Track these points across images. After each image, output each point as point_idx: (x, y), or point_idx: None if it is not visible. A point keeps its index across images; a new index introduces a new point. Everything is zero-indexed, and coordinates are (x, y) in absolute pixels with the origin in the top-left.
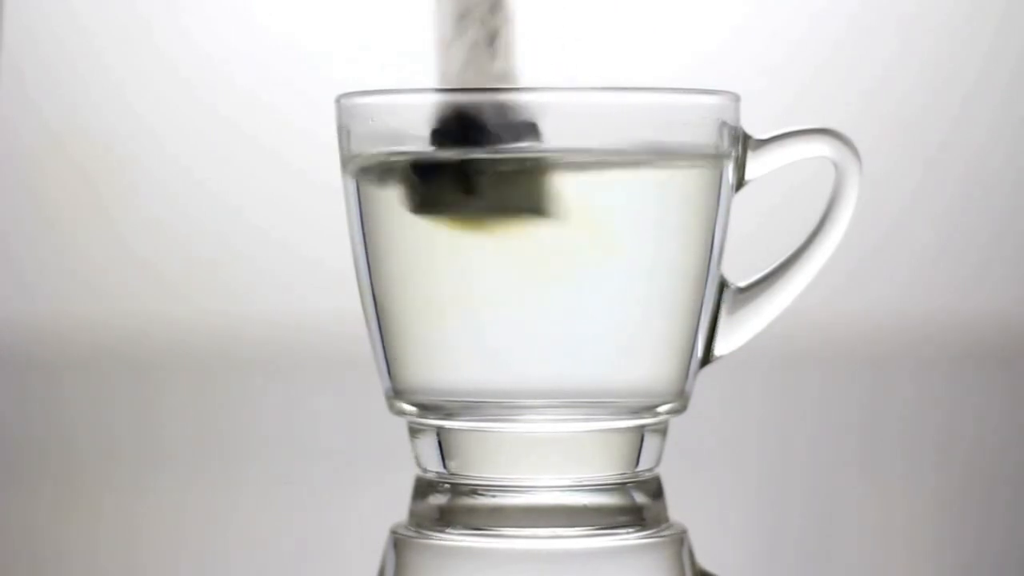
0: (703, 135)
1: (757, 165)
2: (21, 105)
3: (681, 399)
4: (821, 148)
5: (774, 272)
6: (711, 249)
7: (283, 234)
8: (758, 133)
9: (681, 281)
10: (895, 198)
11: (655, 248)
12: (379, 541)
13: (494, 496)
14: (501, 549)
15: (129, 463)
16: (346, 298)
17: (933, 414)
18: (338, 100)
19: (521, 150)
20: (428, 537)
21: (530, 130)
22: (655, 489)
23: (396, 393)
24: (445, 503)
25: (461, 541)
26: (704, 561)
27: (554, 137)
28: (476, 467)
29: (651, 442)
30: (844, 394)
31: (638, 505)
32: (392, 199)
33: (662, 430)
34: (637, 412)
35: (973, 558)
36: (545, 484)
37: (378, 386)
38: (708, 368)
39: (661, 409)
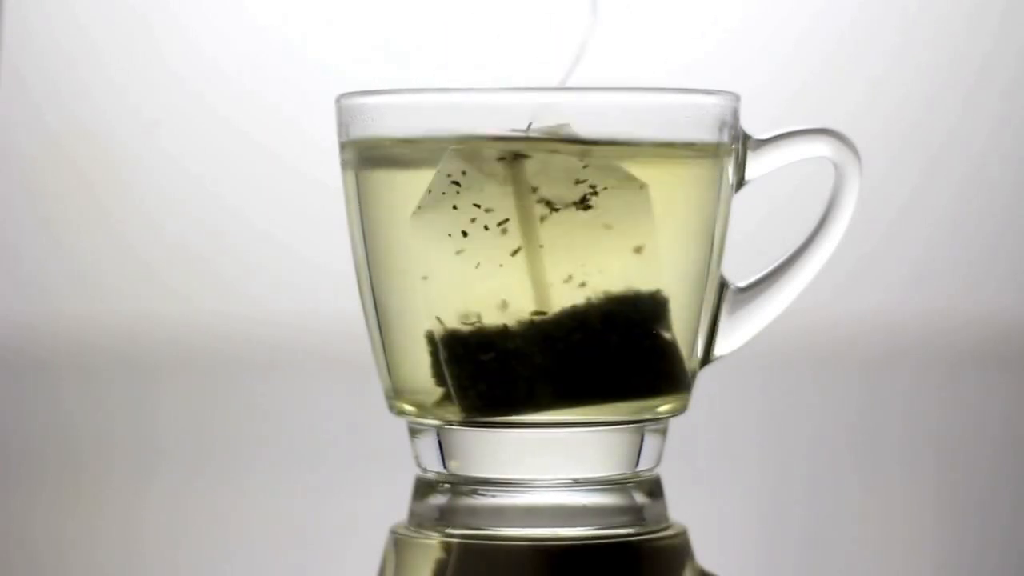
0: (703, 135)
1: (757, 165)
2: (20, 105)
3: (681, 399)
4: (821, 148)
5: (774, 272)
6: (711, 249)
7: (283, 234)
8: (758, 133)
9: (681, 281)
10: (895, 198)
11: (655, 248)
12: (379, 541)
13: (494, 496)
14: (501, 549)
15: (129, 463)
16: (346, 298)
17: (932, 414)
18: (338, 100)
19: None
20: (428, 537)
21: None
22: (655, 489)
23: (396, 393)
24: (445, 503)
25: (461, 541)
26: (704, 561)
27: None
28: (476, 467)
29: (651, 442)
30: (844, 394)
31: (638, 505)
32: (391, 198)
33: (662, 430)
34: (637, 412)
35: (973, 558)
36: (545, 484)
37: (378, 386)
38: (708, 368)
39: (661, 409)
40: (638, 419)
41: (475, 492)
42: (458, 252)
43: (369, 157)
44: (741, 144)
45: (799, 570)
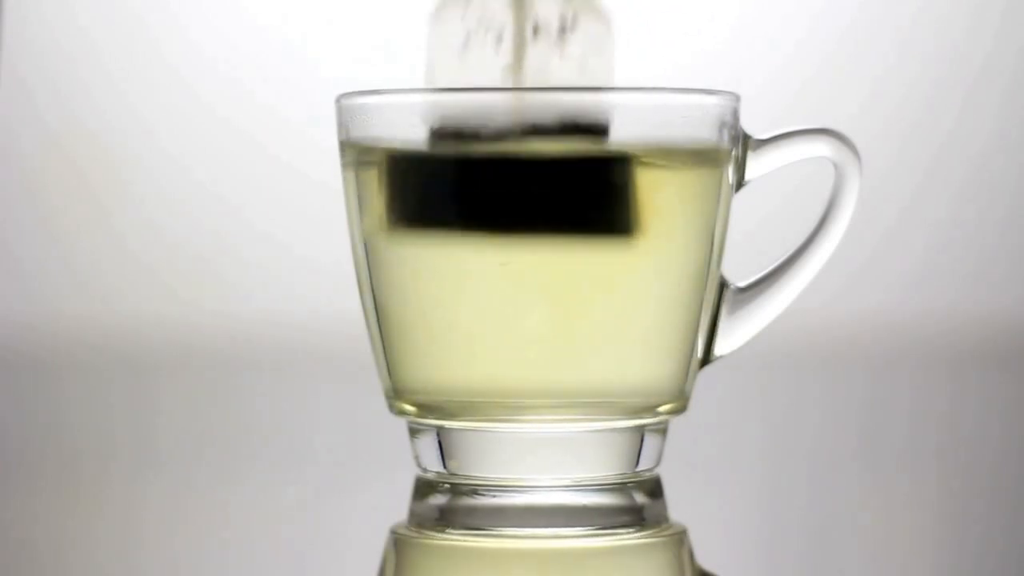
0: (703, 135)
1: (757, 165)
2: (20, 105)
3: (681, 399)
4: (821, 148)
5: (774, 272)
6: (711, 249)
7: (283, 234)
8: (758, 133)
9: (681, 281)
10: (895, 198)
11: (655, 248)
12: (379, 541)
13: (494, 496)
14: (501, 549)
15: (128, 463)
16: (346, 298)
17: (933, 414)
18: (338, 100)
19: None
20: (428, 537)
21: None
22: (655, 489)
23: (396, 393)
24: (445, 503)
25: (461, 541)
26: (704, 561)
27: (555, 138)
28: (476, 467)
29: (651, 442)
30: (844, 394)
31: (638, 505)
32: (392, 198)
33: (662, 430)
34: (637, 412)
35: (974, 558)
36: (545, 484)
37: (378, 386)
38: (708, 368)
39: (661, 409)
40: (638, 419)
41: (475, 492)
42: (461, 49)
43: (369, 157)
44: (741, 144)
45: (799, 570)
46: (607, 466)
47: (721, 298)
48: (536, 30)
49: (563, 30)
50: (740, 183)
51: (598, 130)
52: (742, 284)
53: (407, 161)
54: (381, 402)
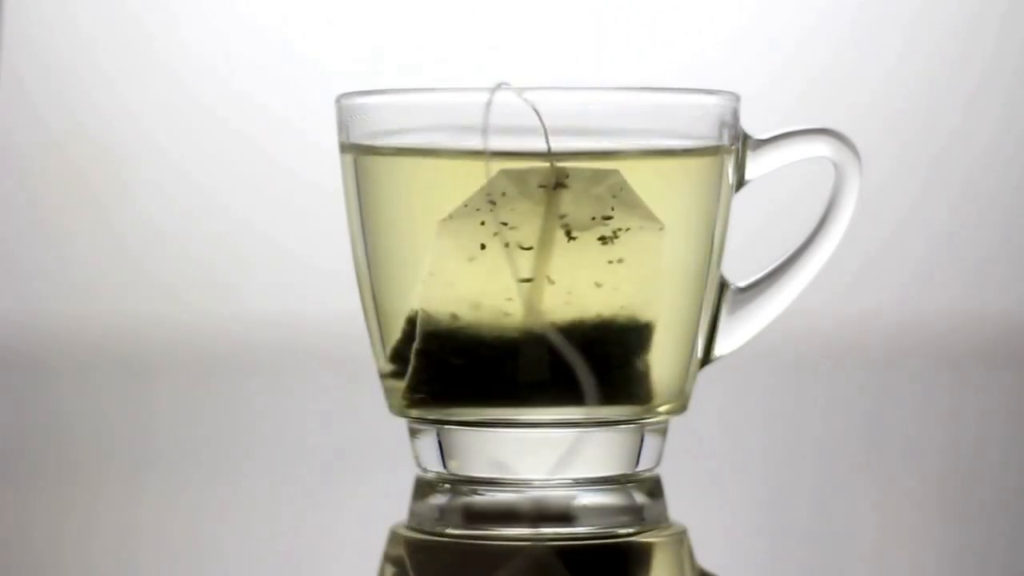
0: (703, 135)
1: (757, 165)
2: (20, 105)
3: (681, 399)
4: (821, 148)
5: (774, 272)
6: (711, 249)
7: (282, 234)
8: (758, 133)
9: (681, 281)
10: (895, 198)
11: (655, 248)
12: (379, 541)
13: (494, 496)
14: (501, 549)
15: (127, 463)
16: (346, 298)
17: (934, 414)
18: (338, 100)
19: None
20: (428, 537)
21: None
22: (655, 489)
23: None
24: (445, 503)
25: (461, 541)
26: (704, 561)
27: (555, 138)
28: (476, 467)
29: (651, 442)
30: (845, 394)
31: (638, 505)
32: (392, 196)
33: (662, 430)
34: (637, 412)
35: (975, 559)
36: (545, 484)
37: (378, 386)
38: (708, 368)
39: (661, 409)
40: (638, 419)
41: (475, 492)
42: (470, 259)
43: (369, 156)
44: (741, 144)
45: (800, 570)
46: (607, 466)
47: (721, 298)
48: (570, 235)
49: (602, 238)
50: (740, 183)
51: None
52: (742, 284)
53: None
54: (381, 402)
